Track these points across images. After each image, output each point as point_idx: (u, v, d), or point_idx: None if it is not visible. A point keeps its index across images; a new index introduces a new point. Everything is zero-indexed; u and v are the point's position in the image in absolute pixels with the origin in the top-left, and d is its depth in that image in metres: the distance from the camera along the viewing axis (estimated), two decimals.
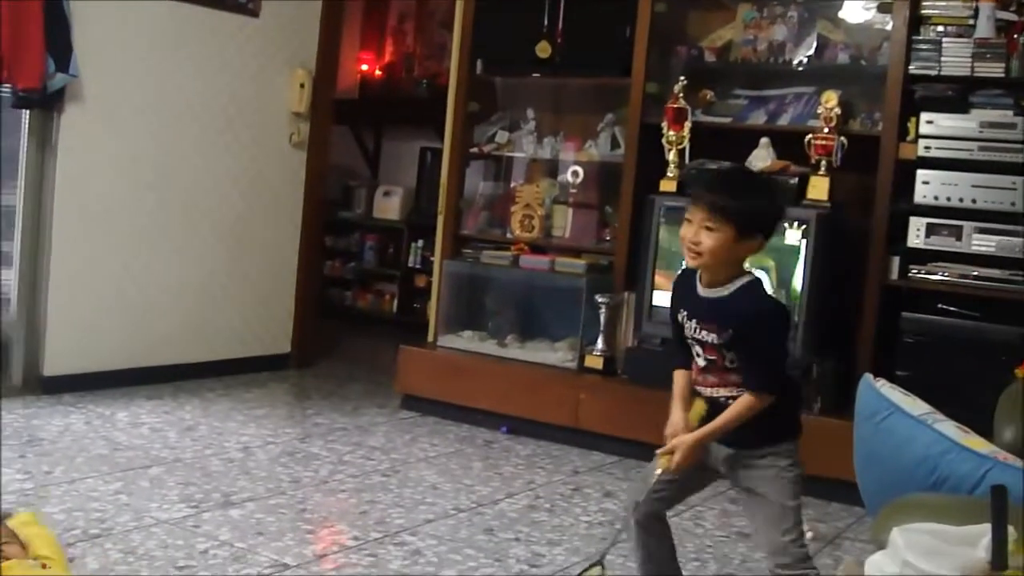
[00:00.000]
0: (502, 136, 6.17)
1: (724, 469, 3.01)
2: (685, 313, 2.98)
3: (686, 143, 5.31)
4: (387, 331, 8.07)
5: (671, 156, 5.33)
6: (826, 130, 4.97)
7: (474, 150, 6.21)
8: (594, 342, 5.52)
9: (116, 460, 4.45)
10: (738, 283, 2.90)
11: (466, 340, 5.96)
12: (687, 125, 5.30)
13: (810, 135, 5.00)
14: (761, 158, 5.20)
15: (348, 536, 3.81)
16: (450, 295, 6.10)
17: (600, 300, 5.46)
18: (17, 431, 4.78)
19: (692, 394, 3.01)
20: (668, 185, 5.30)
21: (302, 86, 6.58)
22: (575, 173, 5.88)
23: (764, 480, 2.94)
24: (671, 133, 5.32)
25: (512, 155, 6.24)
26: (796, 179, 5.03)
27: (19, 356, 5.49)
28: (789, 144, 5.10)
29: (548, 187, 6.00)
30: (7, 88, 5.18)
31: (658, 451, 2.97)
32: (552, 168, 6.13)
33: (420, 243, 8.70)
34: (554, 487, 4.69)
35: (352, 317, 8.99)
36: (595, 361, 5.50)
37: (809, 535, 4.11)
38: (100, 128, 5.58)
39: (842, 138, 4.98)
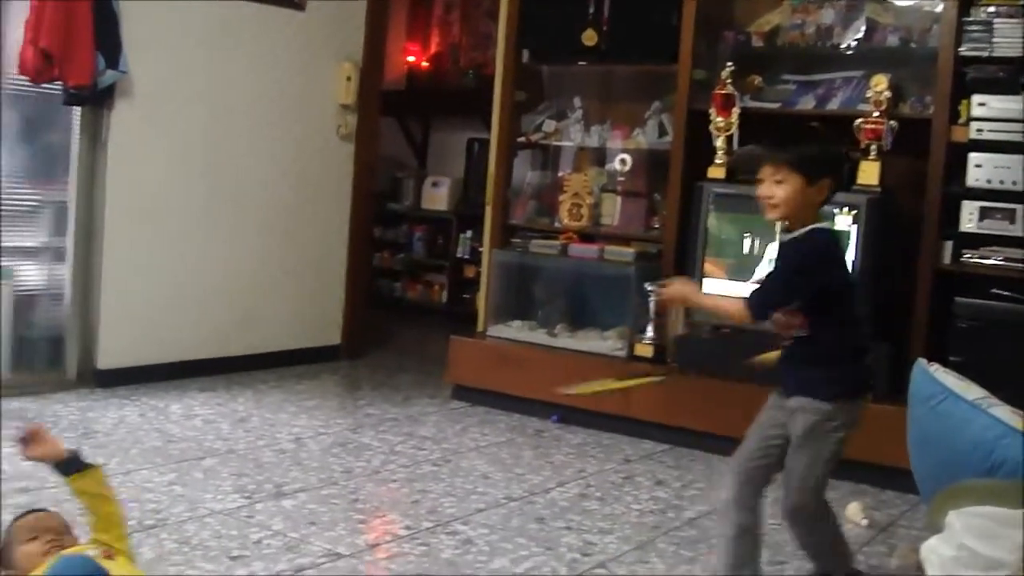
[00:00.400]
0: (549, 125, 6.16)
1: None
2: None
3: (734, 129, 5.28)
4: (437, 322, 8.10)
5: (719, 143, 5.30)
6: (876, 114, 4.93)
7: (521, 139, 6.21)
8: (644, 330, 5.50)
9: (170, 452, 4.49)
10: (807, 228, 3.13)
11: (516, 330, 5.96)
12: (735, 111, 5.27)
13: (860, 119, 4.96)
14: None
15: (400, 526, 3.82)
16: (499, 285, 6.10)
17: (649, 288, 5.44)
18: (72, 424, 4.84)
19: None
20: (717, 172, 5.28)
21: (349, 79, 6.61)
22: (623, 161, 5.86)
23: (804, 428, 3.13)
24: (719, 119, 5.30)
25: (560, 144, 6.22)
26: (846, 164, 4.98)
27: (73, 350, 5.56)
28: (839, 129, 5.05)
29: (596, 175, 5.99)
30: (58, 85, 5.23)
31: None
32: (600, 156, 6.12)
33: (469, 233, 8.72)
34: (605, 476, 4.68)
35: (402, 308, 9.03)
36: (645, 349, 5.49)
37: (864, 522, 4.10)
38: (150, 124, 5.62)
39: (892, 122, 4.94)
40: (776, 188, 3.08)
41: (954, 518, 2.22)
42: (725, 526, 3.21)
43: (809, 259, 3.11)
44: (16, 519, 2.91)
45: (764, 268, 4.84)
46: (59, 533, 2.84)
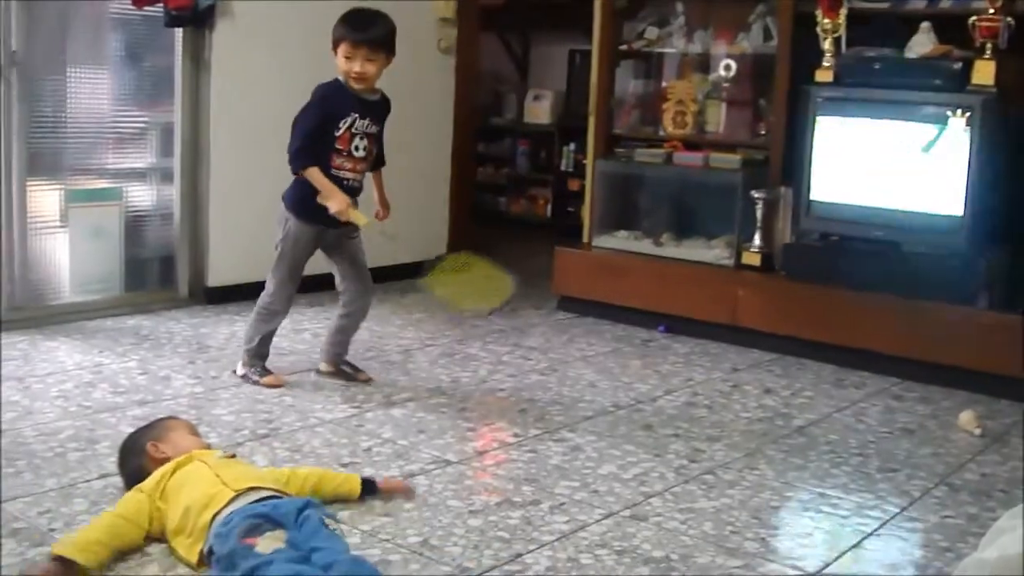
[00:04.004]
0: (651, 32, 6.06)
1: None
2: (356, 115, 4.12)
3: (842, 31, 5.15)
4: (541, 235, 8.08)
5: (826, 45, 5.17)
6: (991, 11, 4.76)
7: (623, 48, 6.12)
8: (751, 239, 5.44)
9: (280, 365, 4.54)
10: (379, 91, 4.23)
11: (621, 240, 5.92)
12: (842, 12, 5.12)
13: (974, 17, 4.79)
14: (921, 43, 5.02)
15: (508, 433, 3.85)
16: (604, 195, 6.05)
17: (756, 196, 5.37)
18: (186, 339, 4.94)
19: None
20: (824, 75, 5.15)
21: None
22: (727, 67, 5.76)
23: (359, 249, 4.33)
24: (826, 21, 5.16)
25: (662, 51, 6.12)
26: (960, 64, 4.83)
27: (184, 269, 5.66)
28: (951, 27, 4.90)
29: (700, 82, 5.89)
30: (160, 8, 5.27)
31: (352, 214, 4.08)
32: (703, 63, 6.01)
33: (572, 146, 8.68)
34: (713, 384, 4.66)
35: (507, 223, 9.02)
36: (752, 258, 5.42)
37: (978, 431, 4.04)
38: (251, 43, 5.65)
39: (1009, 19, 4.75)
40: (368, 65, 4.11)
41: None
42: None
43: None
44: (169, 417, 3.26)
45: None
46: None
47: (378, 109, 4.25)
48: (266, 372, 4.28)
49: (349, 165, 4.15)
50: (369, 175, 4.32)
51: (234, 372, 4.35)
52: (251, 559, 2.41)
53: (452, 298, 4.47)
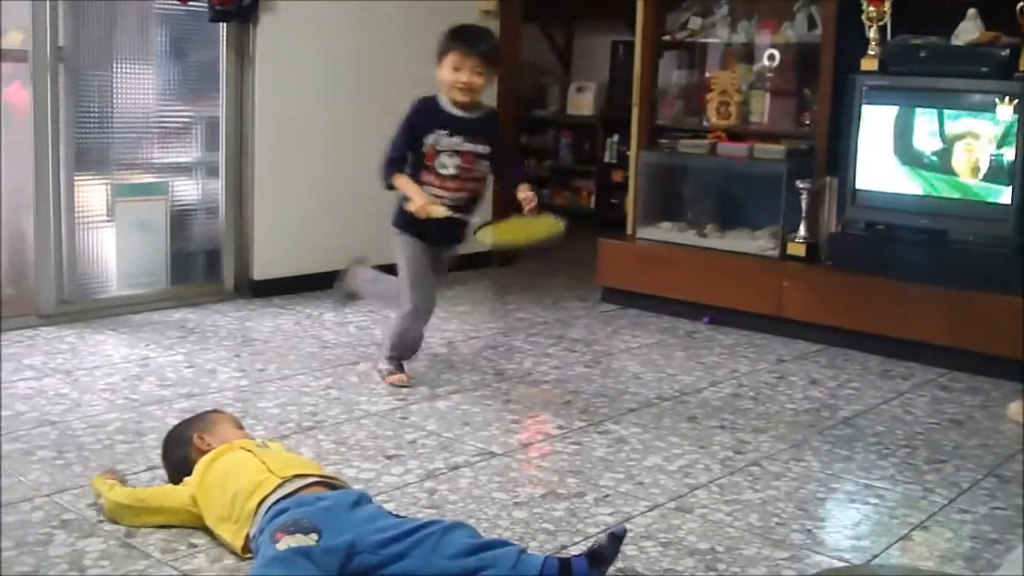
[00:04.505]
0: (695, 23, 6.02)
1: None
2: (444, 132, 4.11)
3: (887, 19, 5.09)
4: (585, 227, 8.02)
5: (872, 33, 5.12)
6: None
7: (667, 39, 6.09)
8: (796, 229, 5.40)
9: (325, 357, 4.59)
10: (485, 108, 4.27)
11: (665, 231, 5.90)
12: None
13: (1023, 3, 4.74)
14: (968, 30, 4.96)
15: (552, 425, 3.84)
16: (647, 186, 6.03)
17: (801, 186, 5.33)
18: (231, 332, 4.97)
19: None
20: (870, 64, 5.10)
21: None
22: (771, 57, 5.72)
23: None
24: (871, 9, 5.11)
25: (706, 42, 6.08)
26: (1008, 51, 4.77)
27: (229, 262, 5.69)
28: (1000, 13, 4.84)
29: (744, 72, 5.85)
30: (204, 3, 5.31)
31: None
32: (747, 53, 5.97)
33: (615, 138, 8.63)
34: (758, 375, 4.63)
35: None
36: (798, 248, 5.38)
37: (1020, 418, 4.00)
38: (294, 37, 5.67)
39: None
40: (476, 78, 4.09)
41: None
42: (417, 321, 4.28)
43: None
44: (214, 411, 3.27)
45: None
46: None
47: (477, 126, 4.17)
48: (400, 370, 4.28)
49: (437, 182, 4.13)
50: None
51: (378, 370, 4.34)
52: (267, 552, 2.44)
53: (504, 238, 4.43)
